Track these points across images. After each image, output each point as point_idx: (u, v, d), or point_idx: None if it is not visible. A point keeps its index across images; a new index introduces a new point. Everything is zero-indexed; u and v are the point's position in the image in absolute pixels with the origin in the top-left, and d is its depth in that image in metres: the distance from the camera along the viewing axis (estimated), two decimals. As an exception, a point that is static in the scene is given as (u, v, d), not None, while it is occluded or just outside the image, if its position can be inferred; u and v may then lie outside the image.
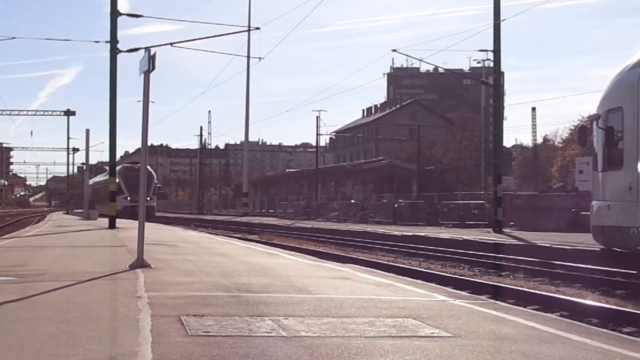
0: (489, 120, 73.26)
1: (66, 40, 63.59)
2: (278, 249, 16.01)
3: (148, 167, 50.43)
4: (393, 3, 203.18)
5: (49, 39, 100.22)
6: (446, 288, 8.77)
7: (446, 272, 13.67)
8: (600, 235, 12.95)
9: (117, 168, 44.99)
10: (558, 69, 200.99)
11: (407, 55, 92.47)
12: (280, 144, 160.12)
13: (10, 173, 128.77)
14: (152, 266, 9.55)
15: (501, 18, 26.05)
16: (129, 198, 48.39)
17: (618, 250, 12.53)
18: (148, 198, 48.35)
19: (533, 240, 18.83)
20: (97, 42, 28.70)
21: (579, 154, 47.43)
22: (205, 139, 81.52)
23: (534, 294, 10.04)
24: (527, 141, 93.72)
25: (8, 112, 59.09)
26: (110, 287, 7.61)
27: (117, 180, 42.63)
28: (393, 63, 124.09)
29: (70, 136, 62.10)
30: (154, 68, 9.54)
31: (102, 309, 5.98)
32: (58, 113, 57.38)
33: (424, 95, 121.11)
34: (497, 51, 26.48)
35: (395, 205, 38.23)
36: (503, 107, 54.00)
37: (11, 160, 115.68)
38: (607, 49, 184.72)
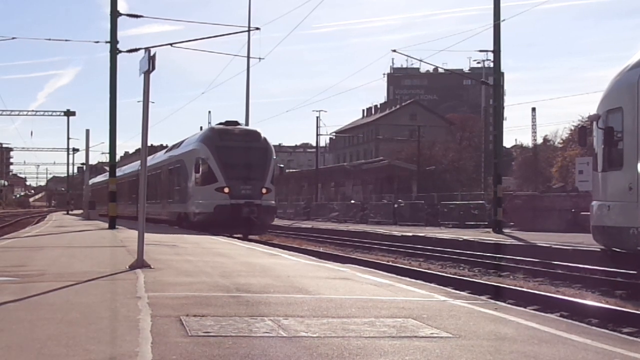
0: (489, 120, 73.34)
1: (66, 40, 63.07)
2: (278, 249, 15.99)
3: (260, 131, 27.95)
4: (392, 4, 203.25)
5: (49, 40, 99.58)
6: (446, 288, 8.76)
7: (446, 273, 13.68)
8: (601, 235, 12.95)
9: (200, 134, 29.02)
10: (557, 69, 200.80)
11: (407, 56, 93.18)
12: (280, 144, 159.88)
13: (10, 173, 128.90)
14: (152, 266, 9.55)
15: (501, 18, 26.09)
16: (226, 190, 25.99)
17: (618, 250, 12.53)
18: (264, 190, 26.82)
19: (533, 241, 18.82)
20: (97, 42, 28.72)
21: (579, 154, 47.40)
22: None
23: (534, 294, 10.05)
24: (527, 141, 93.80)
25: (8, 112, 59.06)
26: (110, 287, 7.60)
27: (202, 156, 26.80)
28: (393, 63, 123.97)
29: (70, 136, 62.31)
30: (154, 68, 9.55)
31: (102, 310, 5.97)
32: (58, 113, 57.34)
33: (424, 96, 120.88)
34: (497, 52, 26.51)
35: (395, 206, 38.25)
36: (503, 108, 54.03)
37: (11, 160, 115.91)
38: (607, 50, 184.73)
